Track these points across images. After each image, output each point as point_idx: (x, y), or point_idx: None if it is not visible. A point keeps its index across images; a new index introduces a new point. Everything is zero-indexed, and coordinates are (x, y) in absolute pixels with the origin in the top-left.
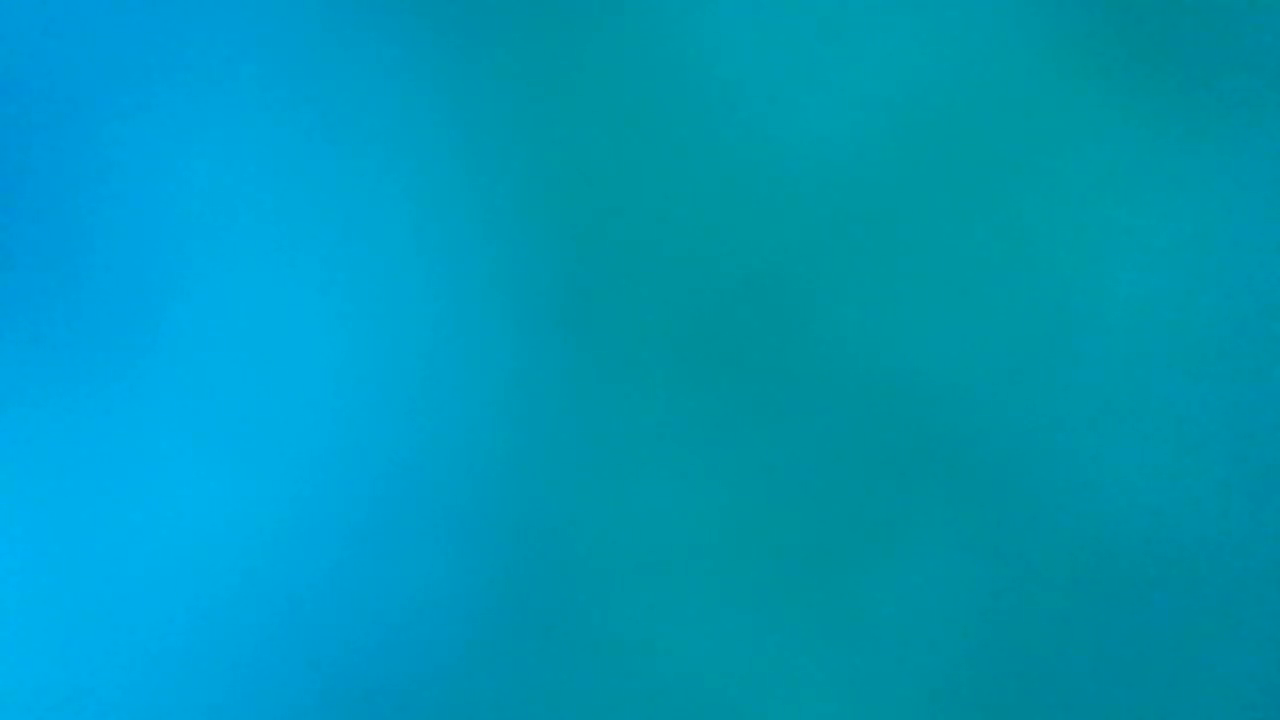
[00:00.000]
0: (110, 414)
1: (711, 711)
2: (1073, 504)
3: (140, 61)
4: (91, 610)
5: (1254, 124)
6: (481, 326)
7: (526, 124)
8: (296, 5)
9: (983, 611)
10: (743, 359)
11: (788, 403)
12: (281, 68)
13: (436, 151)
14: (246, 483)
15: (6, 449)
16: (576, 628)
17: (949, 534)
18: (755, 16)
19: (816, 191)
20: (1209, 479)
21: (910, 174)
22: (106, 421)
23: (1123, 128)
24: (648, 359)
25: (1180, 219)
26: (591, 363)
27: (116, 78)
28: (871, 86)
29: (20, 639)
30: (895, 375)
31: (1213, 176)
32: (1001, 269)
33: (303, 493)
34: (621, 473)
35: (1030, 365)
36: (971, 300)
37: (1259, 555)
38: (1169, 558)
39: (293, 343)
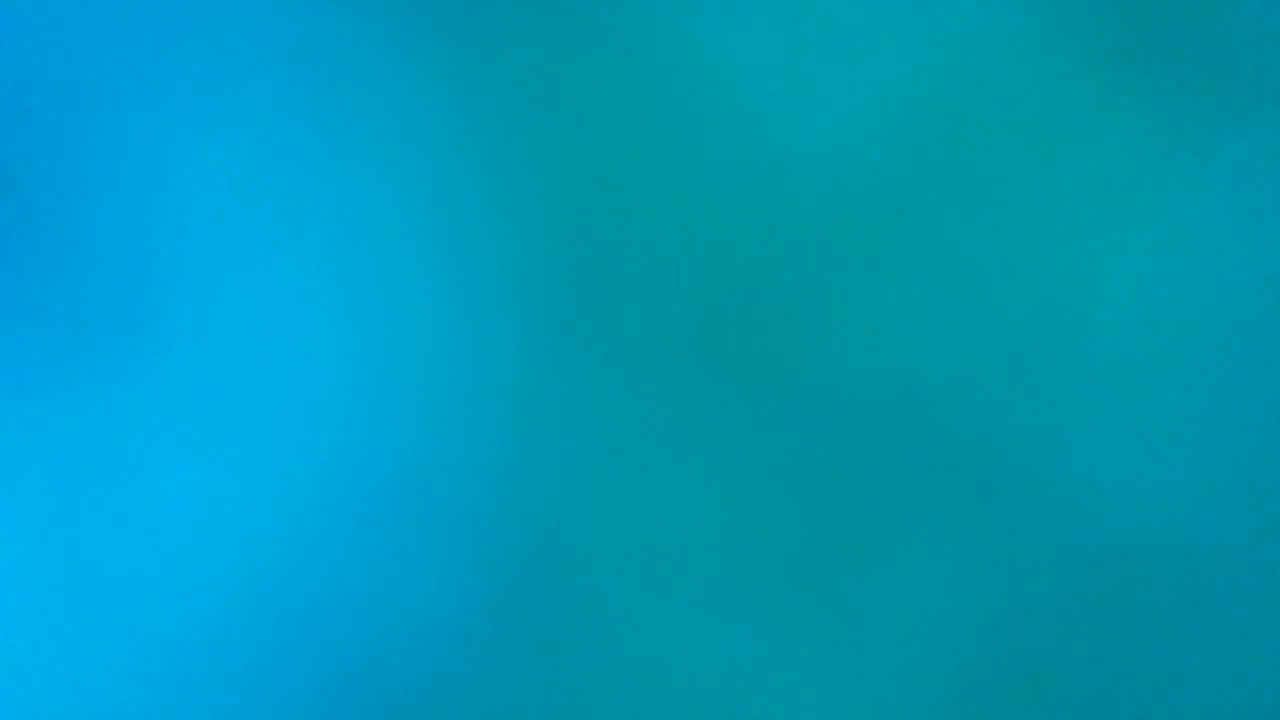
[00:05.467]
0: (112, 414)
1: (711, 711)
2: (1072, 504)
3: (140, 61)
4: (93, 610)
5: (1254, 124)
6: (482, 327)
7: (527, 125)
8: (296, 5)
9: (982, 611)
10: (743, 360)
11: (788, 403)
12: (282, 68)
13: (437, 152)
14: (247, 483)
15: (7, 448)
16: (578, 628)
17: (948, 534)
18: (755, 19)
19: (816, 193)
20: (1209, 479)
21: (909, 175)
22: (108, 422)
23: (1123, 128)
24: (649, 360)
25: (1180, 219)
26: (593, 364)
27: (116, 77)
28: (872, 87)
29: (20, 639)
30: (895, 375)
31: (1212, 176)
32: (1001, 269)
33: (303, 494)
34: (623, 474)
35: (1030, 365)
36: (971, 301)
37: (1259, 555)
38: (1168, 557)
39: (294, 343)
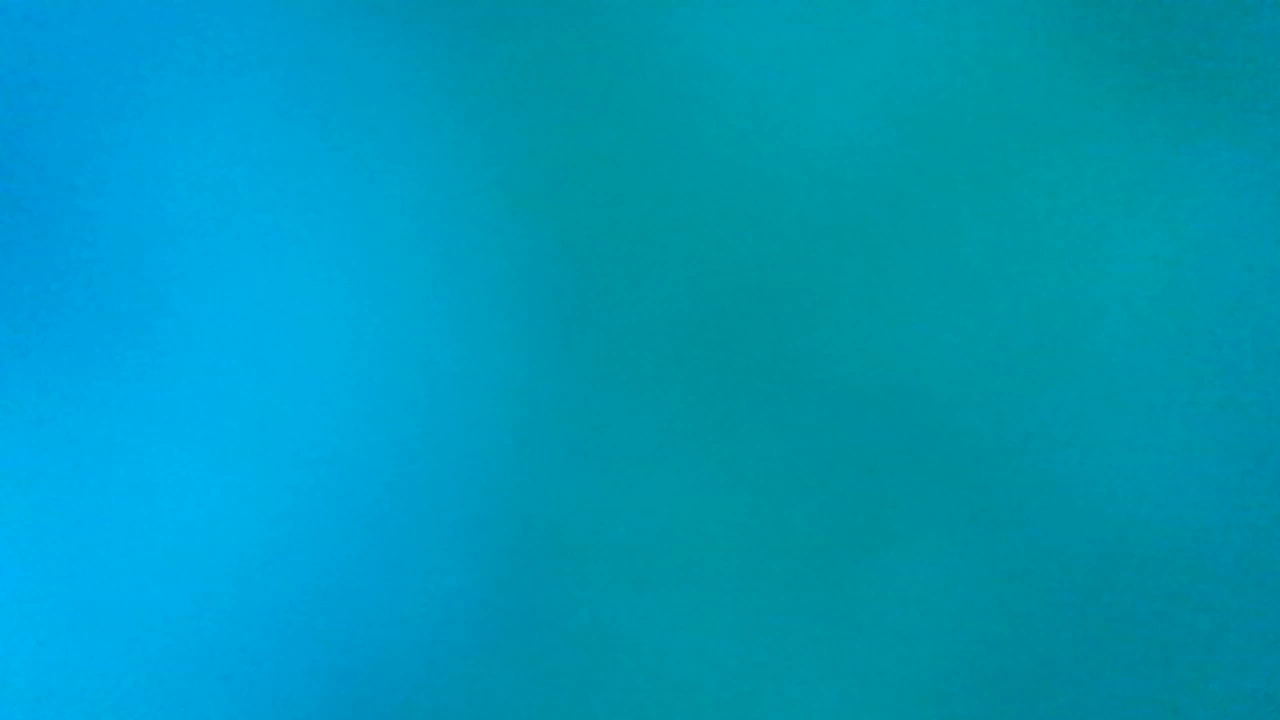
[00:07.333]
0: (112, 414)
1: (712, 711)
2: (1072, 504)
3: (140, 61)
4: (93, 609)
5: (1254, 124)
6: (482, 326)
7: (528, 125)
8: (297, 5)
9: (982, 611)
10: (743, 360)
11: (788, 403)
12: (281, 67)
13: (437, 152)
14: (246, 483)
15: (7, 447)
16: (578, 627)
17: (948, 534)
18: (756, 20)
19: (818, 194)
20: (1209, 479)
21: (909, 176)
22: (108, 422)
23: (1123, 128)
24: (650, 361)
25: (1180, 219)
26: (592, 364)
27: (116, 77)
28: (872, 88)
29: (20, 639)
30: (895, 375)
31: (1213, 176)
32: (1001, 270)
33: (303, 493)
34: (623, 474)
35: (1031, 366)
36: (971, 301)
37: (1259, 555)
38: (1168, 557)
39: (294, 342)
